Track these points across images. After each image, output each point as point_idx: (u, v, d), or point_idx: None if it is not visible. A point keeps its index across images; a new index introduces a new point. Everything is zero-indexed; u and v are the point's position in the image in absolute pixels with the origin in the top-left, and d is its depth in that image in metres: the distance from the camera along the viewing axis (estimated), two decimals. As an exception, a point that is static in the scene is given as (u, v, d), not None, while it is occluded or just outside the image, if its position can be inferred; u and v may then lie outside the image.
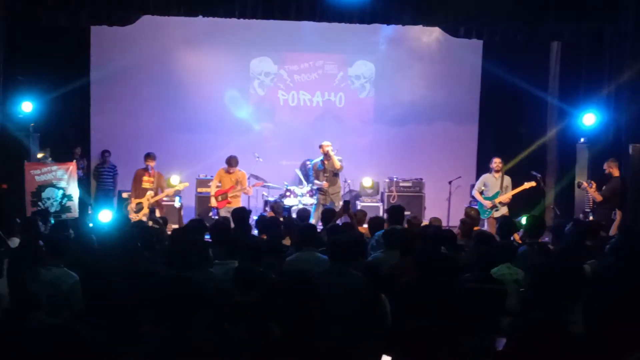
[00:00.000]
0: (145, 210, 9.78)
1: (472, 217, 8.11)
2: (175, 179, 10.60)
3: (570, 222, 6.61)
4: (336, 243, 4.66)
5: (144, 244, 5.66)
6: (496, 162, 9.93)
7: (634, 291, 5.00)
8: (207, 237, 6.40)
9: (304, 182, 10.93)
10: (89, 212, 10.32)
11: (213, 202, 10.17)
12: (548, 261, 5.32)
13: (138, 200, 9.83)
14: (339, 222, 7.42)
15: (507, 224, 6.67)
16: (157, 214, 9.68)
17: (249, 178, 10.48)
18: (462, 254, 5.99)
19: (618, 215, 9.35)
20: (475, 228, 7.69)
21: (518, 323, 2.70)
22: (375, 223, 7.12)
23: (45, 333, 2.16)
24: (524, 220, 6.89)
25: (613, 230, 8.84)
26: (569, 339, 2.62)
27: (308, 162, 11.09)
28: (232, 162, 10.08)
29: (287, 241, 6.62)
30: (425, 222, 8.53)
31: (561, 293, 4.62)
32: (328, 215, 7.49)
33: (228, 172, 10.12)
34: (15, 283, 5.52)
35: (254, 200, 11.57)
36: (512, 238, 6.81)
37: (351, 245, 4.70)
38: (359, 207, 11.20)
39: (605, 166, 9.56)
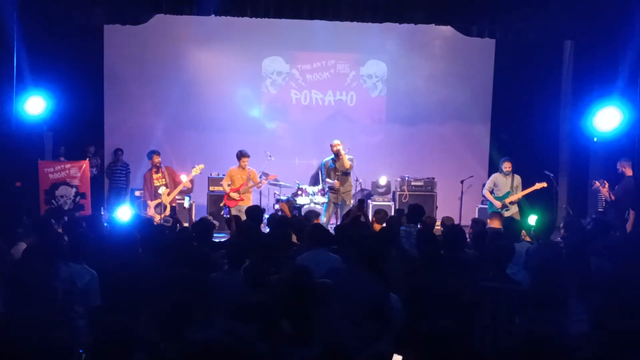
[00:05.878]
0: (168, 207, 9.79)
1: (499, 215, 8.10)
2: (183, 179, 10.58)
3: (580, 220, 6.57)
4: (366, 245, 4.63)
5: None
6: (506, 166, 9.88)
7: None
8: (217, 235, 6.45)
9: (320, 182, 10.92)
10: (102, 211, 10.34)
11: (234, 196, 10.10)
12: (553, 259, 5.28)
13: (157, 201, 9.82)
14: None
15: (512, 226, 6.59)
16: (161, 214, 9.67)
17: (260, 176, 10.48)
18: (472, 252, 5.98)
19: (631, 215, 9.30)
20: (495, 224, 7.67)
21: (521, 322, 2.70)
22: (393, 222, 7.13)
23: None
24: (531, 219, 6.84)
25: (627, 230, 8.79)
26: (565, 338, 2.62)
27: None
28: (242, 154, 10.04)
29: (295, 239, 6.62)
30: (438, 221, 8.50)
31: (565, 291, 4.59)
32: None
33: (238, 168, 10.10)
34: (32, 282, 5.55)
35: (265, 199, 11.59)
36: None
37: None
38: (370, 206, 11.19)
39: (618, 165, 9.52)
